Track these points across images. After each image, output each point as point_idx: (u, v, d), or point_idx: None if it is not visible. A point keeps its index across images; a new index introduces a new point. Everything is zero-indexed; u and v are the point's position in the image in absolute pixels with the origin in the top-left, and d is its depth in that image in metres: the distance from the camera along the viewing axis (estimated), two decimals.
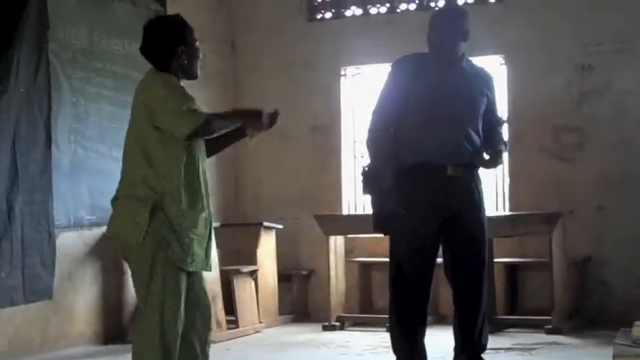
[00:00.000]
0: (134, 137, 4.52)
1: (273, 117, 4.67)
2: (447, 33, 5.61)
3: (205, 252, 4.57)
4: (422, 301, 5.63)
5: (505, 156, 5.77)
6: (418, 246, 5.51)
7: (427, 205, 5.49)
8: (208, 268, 4.62)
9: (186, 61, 4.58)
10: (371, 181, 5.57)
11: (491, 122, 5.69)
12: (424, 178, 5.49)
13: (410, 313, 5.63)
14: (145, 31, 4.62)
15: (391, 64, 5.77)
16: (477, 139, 5.57)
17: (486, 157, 5.58)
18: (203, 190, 4.56)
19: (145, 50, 4.61)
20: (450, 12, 6.14)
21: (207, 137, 4.60)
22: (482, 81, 5.72)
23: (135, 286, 4.55)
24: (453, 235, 5.59)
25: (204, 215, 4.54)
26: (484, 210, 5.71)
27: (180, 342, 4.50)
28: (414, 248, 5.51)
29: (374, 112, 5.70)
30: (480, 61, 9.36)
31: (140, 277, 4.47)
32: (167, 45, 4.55)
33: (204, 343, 4.66)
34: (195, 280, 4.58)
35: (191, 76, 4.65)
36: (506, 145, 5.73)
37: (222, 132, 4.64)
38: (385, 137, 5.61)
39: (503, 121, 5.89)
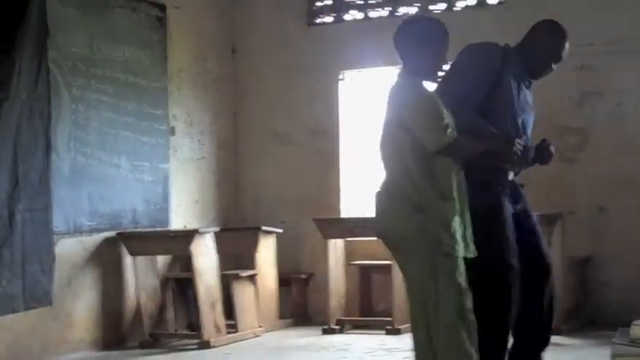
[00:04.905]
0: (389, 138, 4.64)
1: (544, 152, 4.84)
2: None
3: (463, 238, 4.62)
4: None
5: None
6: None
7: None
8: (471, 252, 4.65)
9: (431, 64, 4.68)
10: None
11: None
12: None
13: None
14: (402, 27, 4.74)
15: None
16: None
17: None
18: (455, 180, 4.61)
19: (397, 44, 4.73)
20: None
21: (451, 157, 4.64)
22: None
23: (411, 281, 4.62)
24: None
25: (457, 205, 4.59)
26: None
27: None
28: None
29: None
30: None
31: (421, 272, 4.54)
32: (418, 46, 4.64)
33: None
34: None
35: (432, 78, 4.76)
36: None
37: (469, 156, 4.71)
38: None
39: None
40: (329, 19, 10.22)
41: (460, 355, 4.49)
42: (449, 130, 4.54)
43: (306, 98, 10.06)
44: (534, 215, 5.43)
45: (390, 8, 9.92)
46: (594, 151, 8.92)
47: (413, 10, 9.79)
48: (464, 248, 4.59)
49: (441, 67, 4.74)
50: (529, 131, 5.38)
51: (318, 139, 10.04)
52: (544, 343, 5.35)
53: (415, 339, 4.65)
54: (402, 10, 9.85)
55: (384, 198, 4.67)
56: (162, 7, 9.28)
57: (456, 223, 4.56)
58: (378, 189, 4.73)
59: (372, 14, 10.00)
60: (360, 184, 9.96)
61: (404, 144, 4.56)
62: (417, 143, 4.54)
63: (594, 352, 7.25)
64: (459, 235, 4.56)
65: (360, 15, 10.06)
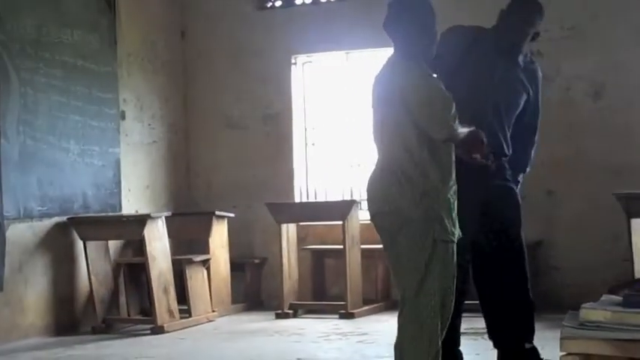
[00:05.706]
0: (389, 120, 4.52)
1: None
2: None
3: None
4: None
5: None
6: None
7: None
8: (458, 236, 4.61)
9: (426, 44, 4.57)
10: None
11: None
12: None
13: None
14: (393, 8, 4.60)
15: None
16: None
17: None
18: (453, 164, 4.57)
19: (388, 25, 4.60)
20: None
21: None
22: None
23: (404, 262, 4.50)
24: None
25: (455, 187, 4.55)
26: None
27: None
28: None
29: None
30: None
31: (416, 254, 4.45)
32: (412, 26, 4.54)
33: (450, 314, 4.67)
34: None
35: (427, 58, 4.62)
36: None
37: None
38: None
39: None
40: (279, 2, 10.17)
41: (431, 345, 4.45)
42: (456, 121, 4.45)
43: (258, 82, 10.03)
44: (512, 200, 5.46)
45: None
46: (543, 135, 8.93)
47: None
48: (458, 232, 4.59)
49: (434, 47, 4.62)
50: (509, 113, 5.35)
51: (270, 124, 10.02)
52: (522, 325, 5.48)
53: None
54: None
55: (389, 179, 4.52)
56: None
57: (456, 208, 4.54)
58: (374, 170, 4.62)
59: None
60: (313, 168, 9.96)
61: (407, 127, 4.45)
62: (422, 128, 4.44)
63: (544, 335, 7.27)
64: (457, 221, 4.55)
65: None
